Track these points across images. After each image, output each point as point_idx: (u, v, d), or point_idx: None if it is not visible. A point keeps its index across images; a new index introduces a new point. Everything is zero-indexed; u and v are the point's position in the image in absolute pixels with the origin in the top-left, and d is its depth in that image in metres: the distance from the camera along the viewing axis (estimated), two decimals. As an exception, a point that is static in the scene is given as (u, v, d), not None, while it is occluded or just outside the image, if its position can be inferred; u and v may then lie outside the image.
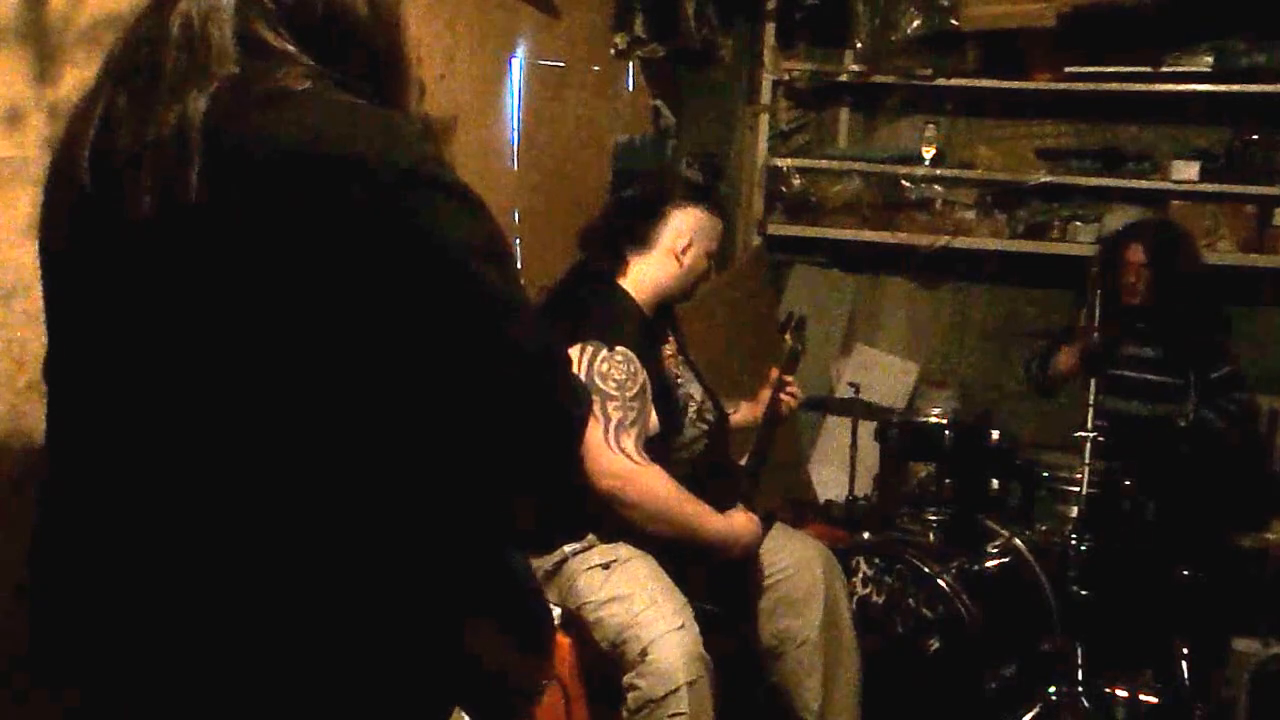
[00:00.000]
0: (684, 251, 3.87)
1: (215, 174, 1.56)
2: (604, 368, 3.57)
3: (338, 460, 1.62)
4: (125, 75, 1.68)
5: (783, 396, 4.28)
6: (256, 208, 1.55)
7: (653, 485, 3.58)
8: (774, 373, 4.33)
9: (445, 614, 1.78)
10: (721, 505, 3.79)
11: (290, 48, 1.67)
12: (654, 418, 3.71)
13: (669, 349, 3.97)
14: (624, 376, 3.58)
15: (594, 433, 3.50)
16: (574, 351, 3.57)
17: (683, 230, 3.88)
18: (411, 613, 1.71)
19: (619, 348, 3.62)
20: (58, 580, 1.76)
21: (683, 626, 3.50)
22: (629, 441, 3.54)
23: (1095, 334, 4.66)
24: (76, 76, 2.75)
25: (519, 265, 4.63)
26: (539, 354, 1.69)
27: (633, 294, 3.84)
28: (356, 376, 1.59)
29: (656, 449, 3.69)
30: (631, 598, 3.57)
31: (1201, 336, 5.05)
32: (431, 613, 1.75)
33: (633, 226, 3.92)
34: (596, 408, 3.51)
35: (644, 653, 3.46)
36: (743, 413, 4.36)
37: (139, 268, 1.62)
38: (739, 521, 3.78)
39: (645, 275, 3.88)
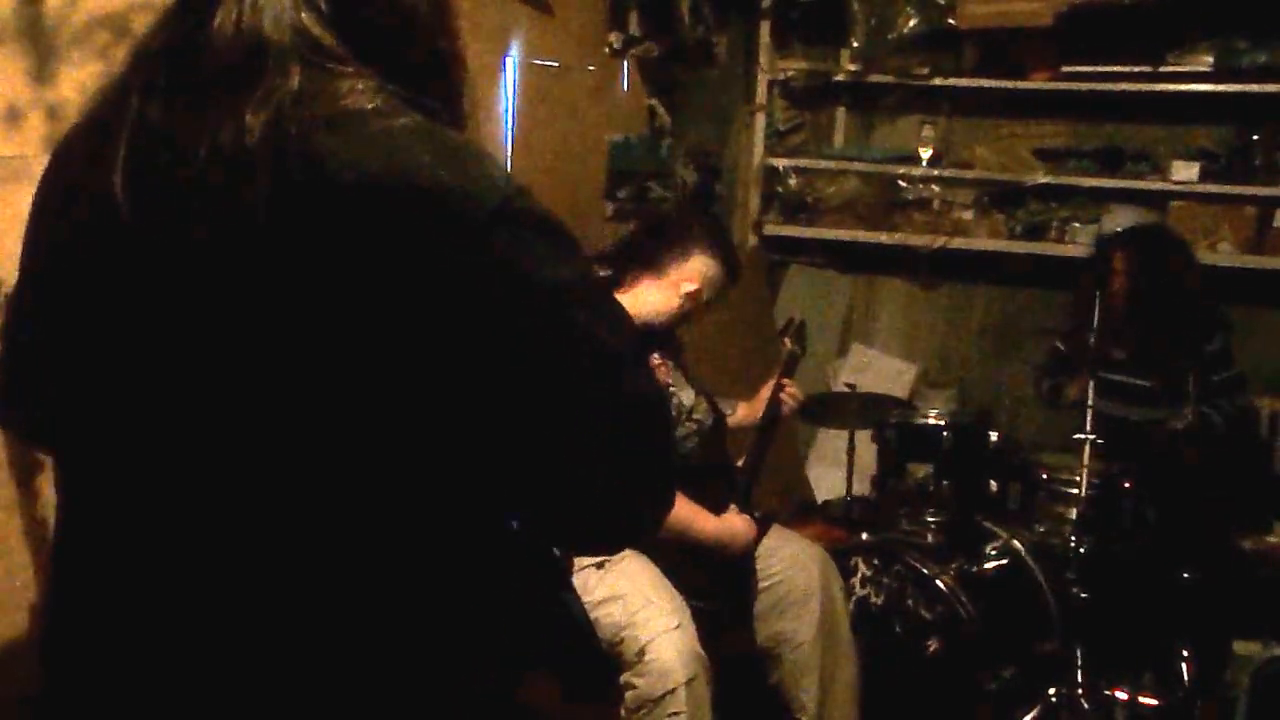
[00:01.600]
0: (689, 295, 3.90)
1: (280, 198, 1.41)
2: None
3: (404, 501, 1.50)
4: (157, 82, 1.52)
5: (782, 398, 4.28)
6: (329, 237, 1.42)
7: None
8: (774, 376, 4.33)
9: (500, 662, 1.68)
10: (718, 505, 3.81)
11: (347, 53, 1.52)
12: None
13: (656, 358, 3.98)
14: None
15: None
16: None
17: (695, 276, 3.92)
18: (463, 661, 1.61)
19: None
20: (74, 593, 1.66)
21: (680, 626, 3.51)
22: None
23: (1092, 337, 4.64)
24: (74, 76, 2.74)
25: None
26: (640, 399, 1.58)
27: (627, 309, 3.83)
28: (430, 415, 1.46)
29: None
30: (628, 597, 3.58)
31: (1198, 340, 5.03)
32: (485, 661, 1.65)
33: (652, 250, 3.95)
34: None
35: (641, 652, 3.46)
36: (740, 414, 4.37)
37: (192, 297, 1.48)
38: (733, 522, 3.79)
39: (646, 298, 3.91)
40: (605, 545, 1.78)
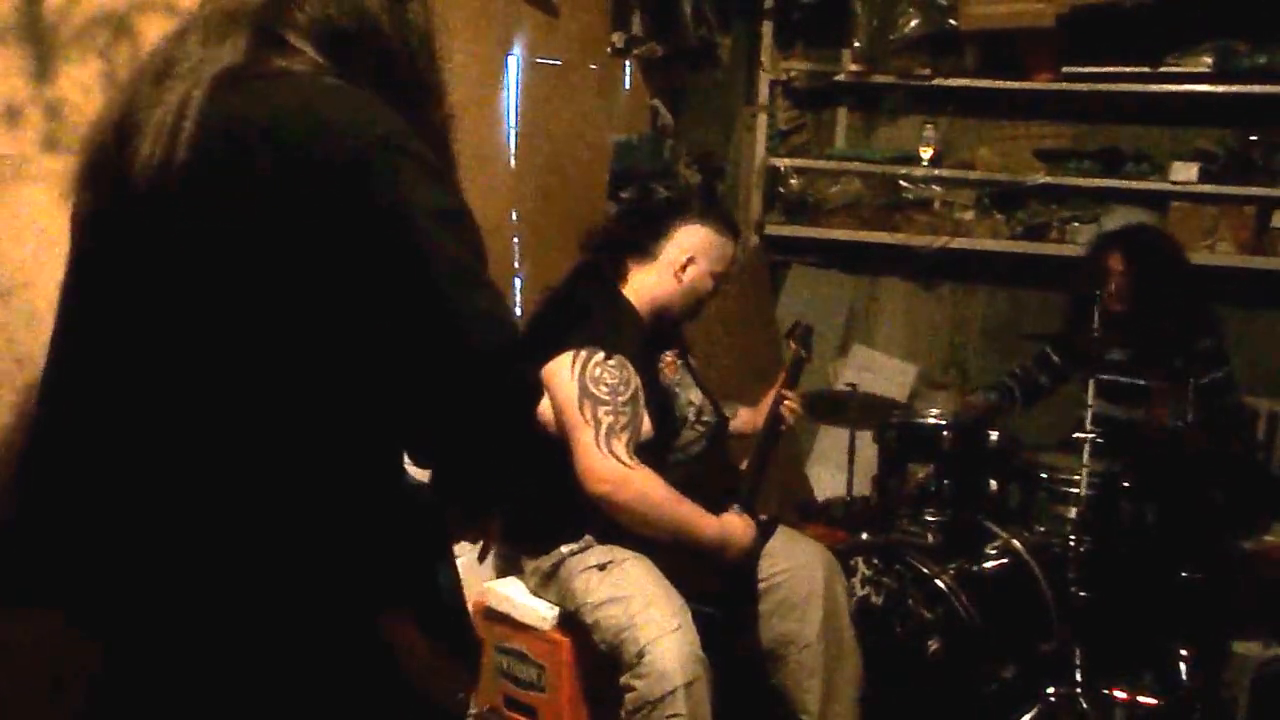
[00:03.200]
0: (683, 269, 3.89)
1: (202, 142, 1.67)
2: (596, 373, 3.59)
3: (283, 416, 1.70)
4: (151, 69, 1.78)
5: (782, 411, 4.28)
6: (234, 171, 1.67)
7: (644, 488, 3.58)
8: (778, 381, 4.33)
9: (366, 599, 1.82)
10: (720, 508, 3.80)
11: (307, 47, 1.78)
12: (647, 423, 3.71)
13: (669, 356, 3.98)
14: (616, 382, 3.60)
15: (586, 437, 3.53)
16: (568, 356, 3.60)
17: (685, 247, 3.90)
18: (338, 589, 1.77)
19: (614, 354, 3.63)
20: (39, 530, 1.87)
21: (680, 628, 3.51)
22: (620, 446, 3.55)
23: (1092, 337, 4.64)
24: (74, 74, 2.75)
25: (515, 264, 4.63)
26: (489, 313, 1.74)
27: (633, 301, 3.85)
28: (314, 331, 1.68)
29: (650, 453, 3.69)
30: (629, 599, 3.59)
31: (1191, 339, 5.02)
32: (354, 593, 1.80)
33: (637, 236, 3.93)
34: (588, 412, 3.54)
35: (641, 654, 3.47)
36: (742, 418, 4.37)
37: (137, 234, 1.73)
38: (733, 524, 3.78)
39: (644, 286, 3.90)
40: (468, 457, 1.87)
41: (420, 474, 1.96)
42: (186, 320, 1.70)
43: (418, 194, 1.69)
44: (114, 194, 1.75)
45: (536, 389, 1.86)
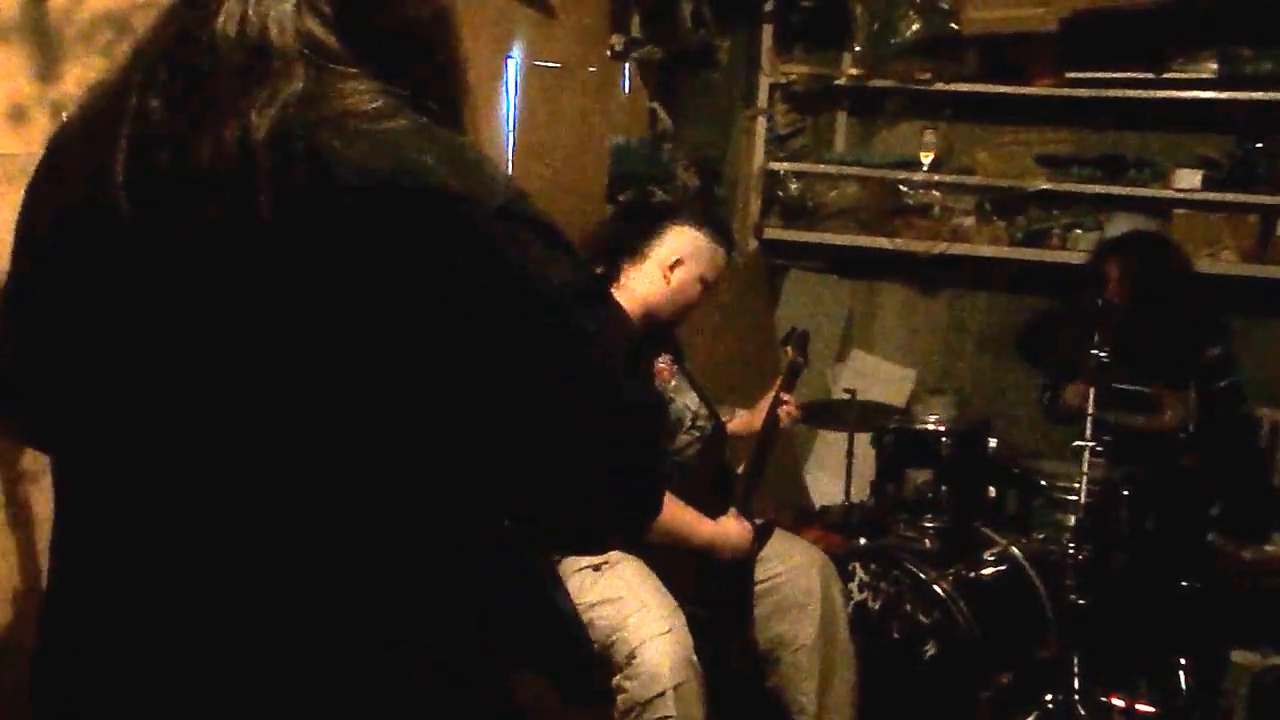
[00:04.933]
0: (672, 269, 3.89)
1: (284, 198, 1.41)
2: None
3: (399, 497, 1.51)
4: (157, 79, 1.51)
5: (779, 413, 4.27)
6: (332, 237, 1.42)
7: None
8: (775, 385, 4.32)
9: (489, 660, 1.69)
10: (716, 511, 3.80)
11: (350, 56, 1.52)
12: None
13: (663, 361, 3.98)
14: None
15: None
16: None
17: (675, 249, 3.90)
18: (452, 658, 1.62)
19: None
20: (70, 589, 1.66)
21: (671, 630, 3.51)
22: None
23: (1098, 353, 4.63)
24: (79, 74, 2.74)
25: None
26: (638, 405, 1.58)
27: (624, 304, 3.84)
28: (427, 415, 1.47)
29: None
30: (621, 600, 3.59)
31: (1197, 346, 5.02)
32: (473, 658, 1.65)
33: (630, 237, 3.94)
34: None
35: (631, 655, 3.47)
36: (739, 421, 4.37)
37: (192, 295, 1.48)
38: (729, 527, 3.79)
39: (635, 288, 3.90)
40: (591, 546, 1.80)
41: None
42: (262, 397, 1.48)
43: (551, 273, 1.49)
44: (142, 251, 1.50)
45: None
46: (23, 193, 1.73)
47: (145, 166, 1.48)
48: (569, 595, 1.94)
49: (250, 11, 1.49)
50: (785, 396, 4.31)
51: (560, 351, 1.48)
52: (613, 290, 3.87)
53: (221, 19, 1.49)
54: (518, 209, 1.49)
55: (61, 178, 1.65)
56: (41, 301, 1.65)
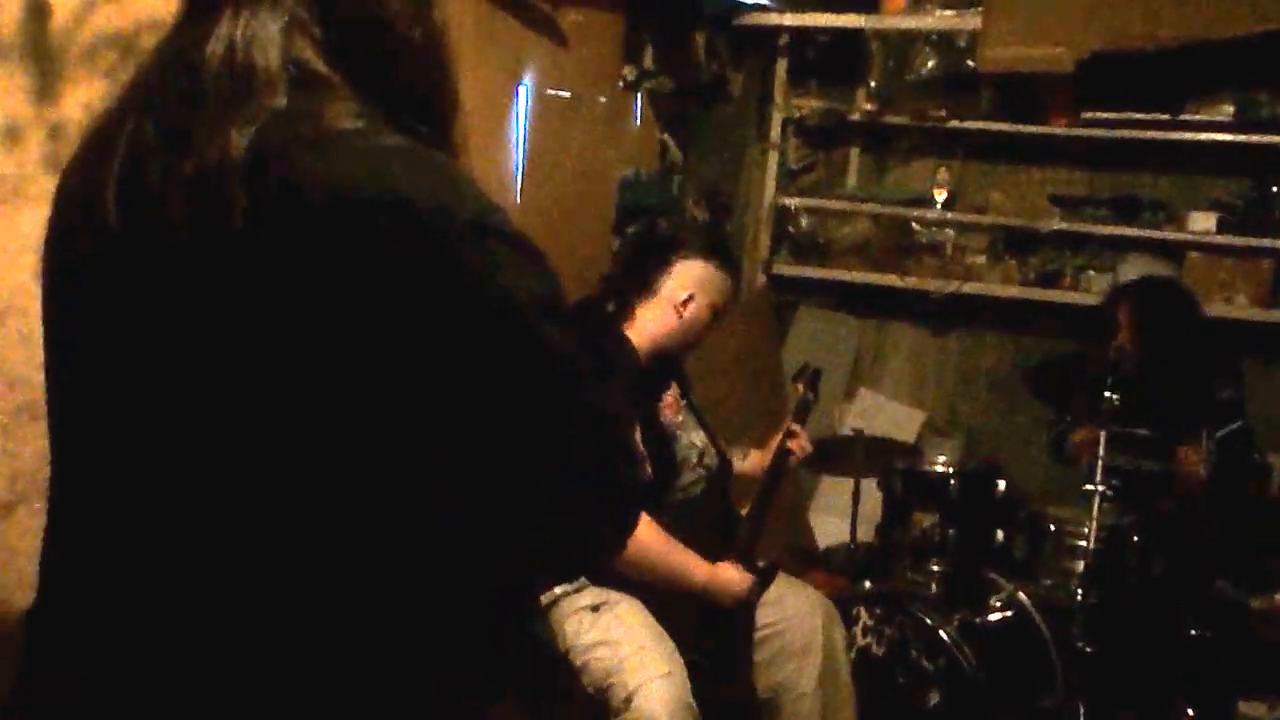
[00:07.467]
0: (684, 305, 3.86)
1: (259, 214, 1.45)
2: None
3: (366, 516, 1.52)
4: (153, 101, 1.58)
5: (790, 447, 4.23)
6: (304, 251, 1.46)
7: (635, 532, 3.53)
8: (784, 423, 4.29)
9: (468, 697, 1.68)
10: (718, 552, 3.77)
11: (338, 79, 1.57)
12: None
13: (669, 397, 3.95)
14: None
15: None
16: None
17: (686, 283, 3.87)
18: (432, 694, 1.62)
19: None
20: (62, 600, 1.68)
21: (669, 674, 3.47)
22: None
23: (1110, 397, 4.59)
24: (77, 95, 2.74)
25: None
26: (602, 417, 1.62)
27: (634, 341, 3.82)
28: (399, 429, 1.50)
29: (646, 495, 3.65)
30: (619, 643, 3.54)
31: (1209, 391, 4.98)
32: (454, 694, 1.65)
33: (639, 273, 3.91)
34: None
35: (628, 699, 3.42)
36: (750, 460, 4.33)
37: (173, 305, 1.52)
38: (726, 573, 3.76)
39: (646, 324, 3.88)
40: (566, 565, 1.78)
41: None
42: (242, 421, 1.51)
43: (518, 285, 1.53)
44: (129, 264, 1.56)
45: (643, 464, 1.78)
46: (25, 215, 1.77)
47: (136, 183, 1.53)
48: (549, 627, 1.94)
49: (239, 35, 1.54)
50: (796, 429, 4.27)
51: (525, 363, 1.52)
52: (625, 327, 3.85)
53: (212, 42, 1.54)
54: (489, 221, 1.53)
55: (67, 202, 1.69)
56: (52, 317, 1.71)
